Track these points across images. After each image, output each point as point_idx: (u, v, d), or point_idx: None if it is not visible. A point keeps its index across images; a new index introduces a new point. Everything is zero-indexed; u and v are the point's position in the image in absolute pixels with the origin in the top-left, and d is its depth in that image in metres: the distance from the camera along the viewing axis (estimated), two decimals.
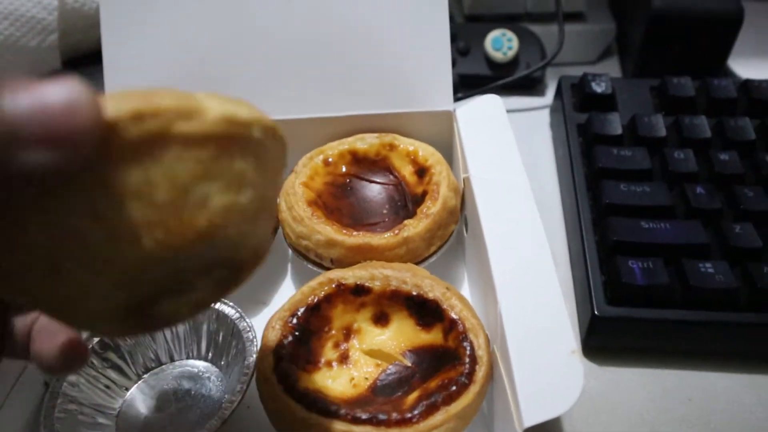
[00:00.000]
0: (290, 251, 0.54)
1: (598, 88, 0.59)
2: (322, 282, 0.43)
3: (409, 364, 0.42)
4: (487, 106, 0.52)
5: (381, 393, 0.41)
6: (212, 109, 0.22)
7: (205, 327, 0.47)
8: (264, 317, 0.50)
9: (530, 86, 0.70)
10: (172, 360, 0.48)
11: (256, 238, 0.27)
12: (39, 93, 0.18)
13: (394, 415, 0.37)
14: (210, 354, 0.47)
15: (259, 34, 0.54)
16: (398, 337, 0.43)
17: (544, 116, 0.67)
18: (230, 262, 0.26)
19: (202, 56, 0.54)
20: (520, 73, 0.67)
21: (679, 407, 0.45)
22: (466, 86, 0.68)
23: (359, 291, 0.43)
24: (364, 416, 0.37)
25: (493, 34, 0.67)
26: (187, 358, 0.48)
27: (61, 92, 0.18)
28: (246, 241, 0.26)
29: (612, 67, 0.73)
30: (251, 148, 0.24)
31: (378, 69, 0.55)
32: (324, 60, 0.54)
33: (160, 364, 0.48)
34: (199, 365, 0.47)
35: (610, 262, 0.48)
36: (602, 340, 0.48)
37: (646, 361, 0.48)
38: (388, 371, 0.42)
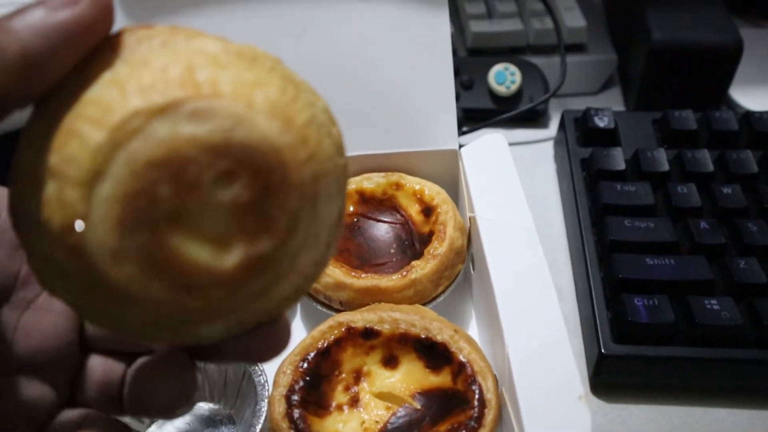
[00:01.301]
0: None
1: (601, 122, 0.60)
2: (331, 326, 0.44)
3: (419, 407, 0.42)
4: (492, 145, 0.53)
5: None
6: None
7: (215, 369, 0.48)
8: (275, 359, 0.50)
9: (534, 119, 0.71)
10: None
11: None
12: None
13: None
14: (220, 397, 0.48)
15: None
16: (408, 379, 0.44)
17: (548, 149, 0.68)
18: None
19: None
20: (523, 107, 0.68)
21: None
22: (470, 119, 0.68)
23: (368, 334, 0.44)
24: None
25: (496, 68, 0.68)
26: (199, 400, 0.48)
27: None
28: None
29: (614, 97, 0.74)
30: None
31: (382, 108, 0.55)
32: (328, 99, 0.55)
33: None
34: (210, 408, 0.48)
35: (615, 299, 0.49)
36: (610, 378, 0.48)
37: (654, 398, 0.48)
38: (398, 414, 0.42)
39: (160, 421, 0.47)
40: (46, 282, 0.21)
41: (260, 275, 0.21)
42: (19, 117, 0.20)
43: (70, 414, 0.28)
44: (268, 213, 0.20)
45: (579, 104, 0.67)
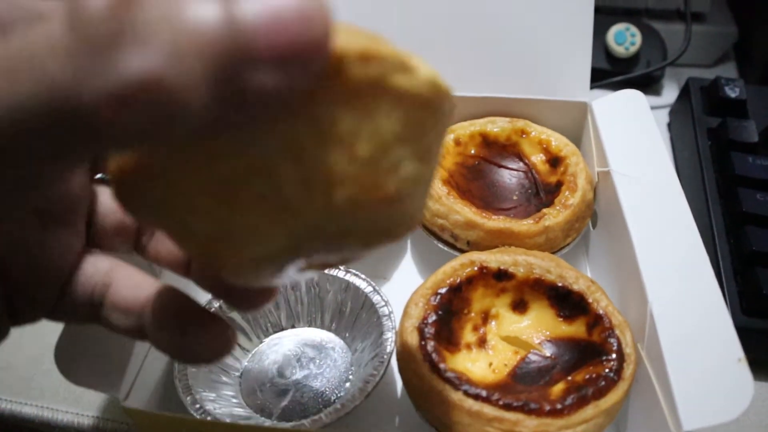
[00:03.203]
0: None
1: (732, 93, 0.57)
2: (464, 263, 0.43)
3: (548, 354, 0.41)
4: (630, 100, 0.51)
5: (521, 381, 0.40)
6: (421, 68, 0.20)
7: (330, 297, 0.47)
8: (386, 292, 0.49)
9: (647, 84, 0.68)
10: (293, 327, 0.47)
11: (419, 213, 0.26)
12: None
13: (545, 405, 0.36)
14: (334, 324, 0.47)
15: (396, 4, 0.53)
16: (537, 326, 0.42)
17: (661, 116, 0.65)
18: (388, 231, 0.23)
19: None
20: (640, 70, 0.65)
21: None
22: None
23: (501, 276, 0.43)
24: (515, 403, 0.36)
25: (617, 28, 0.66)
26: (309, 326, 0.47)
27: None
28: (415, 213, 0.24)
29: (729, 72, 0.71)
30: (440, 119, 0.23)
31: (513, 52, 0.53)
32: (459, 37, 0.53)
33: (281, 329, 0.47)
34: (322, 335, 0.47)
35: (746, 272, 0.47)
36: None
37: None
38: (528, 359, 0.41)
39: (269, 342, 0.47)
40: None
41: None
42: None
43: (98, 262, 0.26)
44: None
45: (692, 75, 0.65)
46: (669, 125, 0.64)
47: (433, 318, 0.40)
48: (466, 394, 0.36)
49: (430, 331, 0.40)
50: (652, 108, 0.66)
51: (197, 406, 0.39)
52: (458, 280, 0.42)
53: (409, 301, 0.42)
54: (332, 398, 0.43)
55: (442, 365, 0.38)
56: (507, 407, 0.36)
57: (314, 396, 0.43)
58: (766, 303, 0.45)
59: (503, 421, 0.35)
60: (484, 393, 0.36)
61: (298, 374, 0.44)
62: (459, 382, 0.37)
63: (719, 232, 0.50)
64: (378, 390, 0.41)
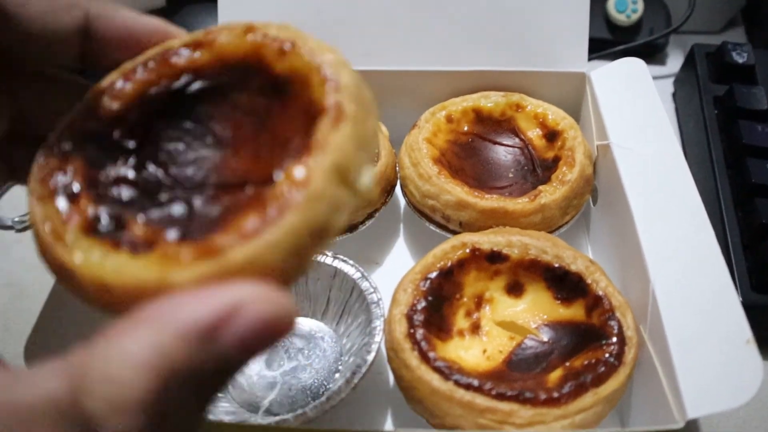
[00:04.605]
0: (402, 211, 0.52)
1: (740, 58, 0.54)
2: (455, 245, 0.41)
3: (545, 339, 0.39)
4: (629, 69, 0.48)
5: (517, 368, 0.38)
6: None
7: (318, 284, 0.45)
8: (377, 277, 0.47)
9: (651, 54, 0.65)
10: None
11: None
12: (246, 320, 0.17)
13: (541, 394, 0.34)
14: (323, 313, 0.45)
15: None
16: (533, 309, 0.40)
17: (666, 86, 0.62)
18: None
19: (320, 4, 0.51)
20: (643, 39, 0.62)
21: None
22: None
23: (495, 258, 0.40)
24: (509, 393, 0.34)
25: None
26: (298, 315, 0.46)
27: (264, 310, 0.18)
28: None
29: (737, 39, 0.68)
30: None
31: (505, 21, 0.51)
32: (448, 9, 0.51)
33: None
34: (311, 324, 0.45)
35: (756, 246, 0.44)
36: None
37: None
38: (524, 345, 0.39)
39: None
40: None
41: None
42: None
43: None
44: None
45: (699, 42, 0.62)
46: (674, 95, 0.61)
47: (422, 304, 0.38)
48: (457, 383, 0.35)
49: (419, 318, 0.38)
50: (656, 78, 0.63)
51: None
52: (449, 264, 0.40)
53: (397, 286, 0.39)
54: (321, 390, 0.41)
55: (431, 354, 0.36)
56: (500, 397, 0.34)
57: (302, 388, 0.41)
58: None
59: (496, 411, 0.33)
60: (476, 382, 0.34)
61: (286, 366, 0.43)
62: (449, 371, 0.35)
63: (727, 206, 0.47)
64: (369, 381, 0.39)
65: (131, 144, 0.23)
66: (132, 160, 0.23)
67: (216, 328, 0.17)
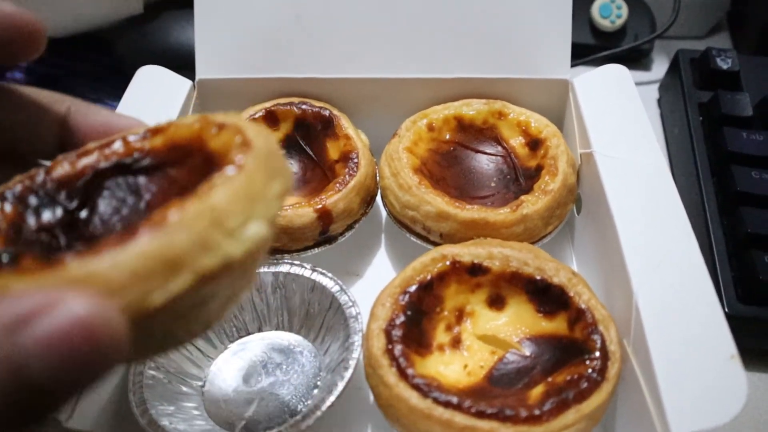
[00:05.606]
0: (384, 221, 0.51)
1: (724, 64, 0.54)
2: (435, 258, 0.40)
3: (528, 354, 0.38)
4: (612, 76, 0.48)
5: (498, 384, 0.37)
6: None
7: (297, 298, 0.44)
8: (358, 290, 0.46)
9: (636, 59, 0.65)
10: (260, 330, 0.45)
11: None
12: (50, 320, 0.16)
13: (522, 411, 0.33)
14: (302, 327, 0.44)
15: None
16: (515, 323, 0.39)
17: (651, 92, 0.62)
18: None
19: (299, 10, 0.50)
20: (628, 44, 0.62)
21: None
22: None
23: (476, 270, 0.40)
24: (489, 410, 0.33)
25: (602, 0, 0.62)
26: (277, 329, 0.45)
27: (75, 310, 0.17)
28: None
29: (723, 44, 0.68)
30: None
31: (487, 28, 0.50)
32: (429, 16, 0.50)
33: (248, 333, 0.44)
34: (290, 338, 0.44)
35: (741, 256, 0.44)
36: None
37: None
38: (506, 360, 0.38)
39: (235, 348, 0.44)
40: None
41: None
42: None
43: None
44: None
45: (683, 47, 0.61)
46: (659, 101, 0.61)
47: (401, 319, 0.37)
48: (436, 401, 0.34)
49: (397, 333, 0.37)
50: (641, 84, 0.63)
51: (147, 420, 0.36)
52: (429, 277, 0.39)
53: (376, 301, 0.39)
54: (299, 407, 0.40)
55: (410, 370, 0.35)
56: (480, 415, 0.33)
57: (280, 405, 0.40)
58: (763, 289, 0.42)
59: (476, 429, 0.32)
60: (455, 400, 0.33)
61: (264, 382, 0.41)
62: (428, 388, 0.34)
63: (712, 214, 0.47)
64: (348, 397, 0.38)
65: (71, 204, 0.26)
66: (61, 214, 0.26)
67: (22, 320, 0.16)
